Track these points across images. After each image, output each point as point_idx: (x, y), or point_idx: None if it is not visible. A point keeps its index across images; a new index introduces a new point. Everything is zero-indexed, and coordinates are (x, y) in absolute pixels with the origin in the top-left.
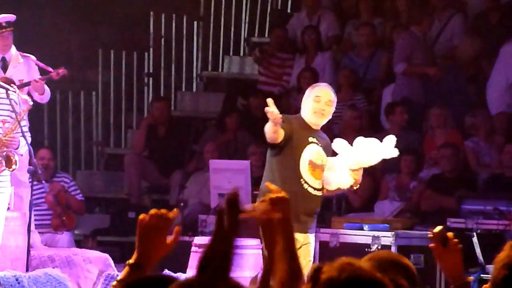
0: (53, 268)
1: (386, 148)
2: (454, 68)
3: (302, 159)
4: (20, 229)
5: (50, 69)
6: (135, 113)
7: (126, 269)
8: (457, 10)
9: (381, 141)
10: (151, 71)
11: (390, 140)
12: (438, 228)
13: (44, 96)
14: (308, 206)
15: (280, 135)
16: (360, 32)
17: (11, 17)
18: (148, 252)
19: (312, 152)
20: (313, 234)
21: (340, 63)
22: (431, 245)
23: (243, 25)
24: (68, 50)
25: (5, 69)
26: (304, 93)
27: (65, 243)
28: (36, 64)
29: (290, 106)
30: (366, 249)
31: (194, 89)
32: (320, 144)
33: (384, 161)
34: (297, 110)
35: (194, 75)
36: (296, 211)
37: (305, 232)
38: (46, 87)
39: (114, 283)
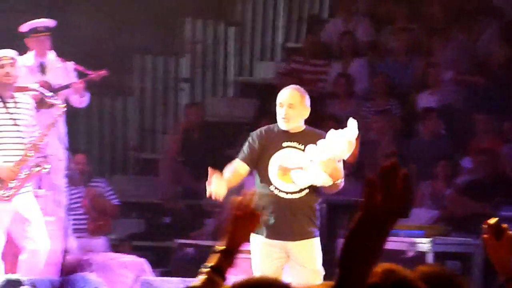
0: (89, 272)
1: (346, 130)
2: (492, 74)
3: (271, 165)
4: (56, 233)
5: (89, 72)
6: (171, 118)
7: (218, 255)
8: (493, 16)
9: (413, 148)
10: (187, 76)
11: (351, 122)
12: (494, 219)
13: (84, 100)
14: (281, 211)
15: (242, 174)
16: (396, 38)
17: (49, 22)
18: (237, 239)
19: (283, 157)
20: (306, 241)
21: (376, 69)
22: (484, 235)
23: (279, 30)
24: (105, 56)
25: (43, 73)
26: (340, 99)
27: (101, 247)
28: (76, 69)
29: (325, 112)
30: (402, 255)
31: (229, 95)
32: (299, 146)
33: (419, 167)
34: (331, 117)
35: (230, 80)
36: (268, 217)
37: (282, 240)
38: (86, 92)
39: (205, 269)
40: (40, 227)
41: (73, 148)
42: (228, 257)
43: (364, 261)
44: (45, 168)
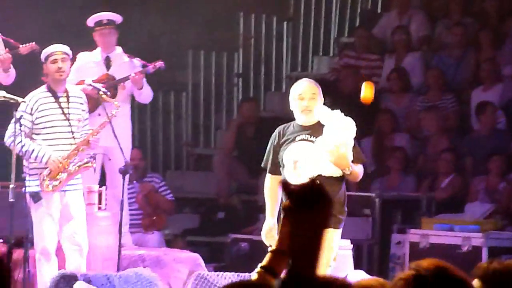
0: (144, 267)
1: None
2: None
3: (286, 160)
4: (111, 229)
5: (149, 64)
6: (225, 114)
7: (271, 255)
8: None
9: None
10: (240, 71)
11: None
12: None
13: (144, 94)
14: None
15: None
16: (452, 32)
17: (114, 16)
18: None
19: (296, 151)
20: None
21: (430, 63)
22: None
23: (332, 25)
24: (158, 51)
25: (108, 67)
26: (395, 94)
27: (155, 242)
28: (143, 65)
29: (379, 107)
30: (457, 250)
31: (284, 90)
32: (311, 138)
33: (473, 162)
34: (386, 111)
35: (283, 75)
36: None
37: None
38: (147, 86)
39: (259, 269)
40: (83, 227)
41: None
42: (281, 258)
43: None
44: (93, 165)
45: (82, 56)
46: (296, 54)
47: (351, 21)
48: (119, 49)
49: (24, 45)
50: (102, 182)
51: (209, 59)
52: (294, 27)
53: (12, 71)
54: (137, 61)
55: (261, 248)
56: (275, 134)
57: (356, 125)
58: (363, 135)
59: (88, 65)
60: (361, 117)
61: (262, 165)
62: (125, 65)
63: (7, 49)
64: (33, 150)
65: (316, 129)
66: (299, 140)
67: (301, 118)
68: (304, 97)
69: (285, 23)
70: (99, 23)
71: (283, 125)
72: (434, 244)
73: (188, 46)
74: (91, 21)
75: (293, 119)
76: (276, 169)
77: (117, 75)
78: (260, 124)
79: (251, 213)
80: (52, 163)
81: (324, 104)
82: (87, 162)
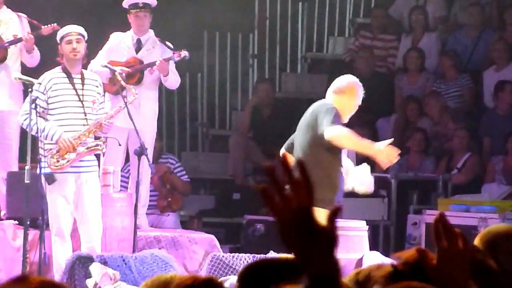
0: (159, 249)
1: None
2: None
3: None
4: (126, 210)
5: (175, 53)
6: (240, 95)
7: None
8: None
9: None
10: (255, 52)
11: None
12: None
13: (169, 80)
14: None
15: None
16: (468, 12)
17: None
18: None
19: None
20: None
21: (446, 43)
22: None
23: (348, 5)
24: (173, 32)
25: (138, 51)
26: (410, 73)
27: (171, 224)
28: (169, 48)
29: (394, 87)
30: (473, 231)
31: (299, 71)
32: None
33: (491, 142)
34: (401, 90)
35: (299, 56)
36: None
37: None
38: (174, 73)
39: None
40: (98, 208)
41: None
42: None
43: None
44: (102, 149)
45: (115, 36)
46: (312, 34)
47: (367, 1)
48: (151, 33)
49: (46, 26)
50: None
51: (224, 40)
52: (310, 8)
53: (36, 53)
54: (168, 46)
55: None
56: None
57: (372, 106)
58: (379, 115)
59: (120, 46)
60: (377, 97)
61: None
62: (155, 49)
63: (30, 30)
64: (44, 128)
65: None
66: None
67: (348, 115)
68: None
69: (300, 3)
70: (134, 6)
71: None
72: None
73: (203, 27)
74: (126, 3)
75: (308, 100)
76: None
77: (146, 59)
78: (276, 105)
79: None
80: (62, 142)
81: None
82: (96, 145)
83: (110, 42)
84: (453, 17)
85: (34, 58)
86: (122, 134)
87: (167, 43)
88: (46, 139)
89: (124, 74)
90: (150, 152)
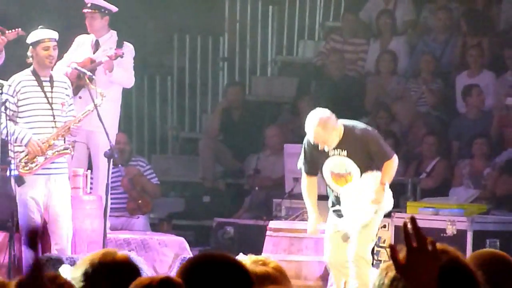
0: (129, 251)
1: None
2: None
3: (324, 172)
4: (96, 212)
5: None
6: (210, 98)
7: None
8: None
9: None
10: (226, 55)
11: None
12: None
13: (115, 76)
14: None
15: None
16: (437, 16)
17: (98, 1)
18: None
19: (331, 164)
20: None
21: (415, 47)
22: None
23: (318, 9)
24: (144, 35)
25: (96, 51)
26: (382, 76)
27: (140, 226)
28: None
29: (365, 90)
30: (442, 234)
31: (269, 74)
32: (343, 153)
33: (459, 146)
34: (373, 92)
35: (269, 59)
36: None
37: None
38: (123, 71)
39: None
40: (68, 210)
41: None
42: None
43: None
44: (71, 152)
45: (78, 38)
46: (282, 38)
47: (337, 5)
48: (111, 34)
49: (10, 31)
50: (90, 166)
51: (194, 43)
52: (280, 11)
53: (3, 54)
54: (128, 46)
55: (246, 231)
56: (304, 143)
57: (343, 109)
58: (350, 118)
59: (81, 47)
60: (347, 101)
61: (298, 167)
62: (113, 50)
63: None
64: (14, 132)
65: (342, 144)
66: (332, 156)
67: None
68: (318, 143)
69: (270, 6)
70: (85, 5)
71: (307, 142)
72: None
73: (174, 30)
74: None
75: (278, 103)
76: (312, 170)
77: (100, 59)
78: (246, 108)
79: (236, 196)
80: (31, 146)
81: (311, 89)
82: (65, 149)
83: (74, 44)
84: (423, 21)
85: (1, 60)
86: (82, 136)
87: (126, 43)
88: (15, 142)
89: (92, 76)
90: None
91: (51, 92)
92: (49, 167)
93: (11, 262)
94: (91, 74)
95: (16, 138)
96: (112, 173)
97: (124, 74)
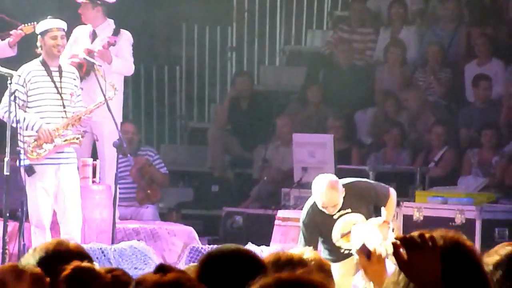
0: (138, 241)
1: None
2: None
3: (335, 236)
4: (105, 202)
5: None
6: (218, 87)
7: None
8: None
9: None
10: (234, 45)
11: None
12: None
13: (115, 66)
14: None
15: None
16: (445, 5)
17: None
18: None
19: (340, 225)
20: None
21: (424, 36)
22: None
23: None
24: (152, 25)
25: (93, 41)
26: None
27: (149, 216)
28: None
29: (373, 79)
30: (450, 223)
31: (277, 63)
32: (347, 210)
33: (467, 134)
34: (381, 82)
35: (277, 49)
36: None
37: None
38: (125, 58)
39: None
40: (77, 200)
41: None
42: None
43: None
44: (79, 143)
45: (76, 29)
46: (290, 27)
47: None
48: (108, 23)
49: (26, 24)
50: (93, 156)
51: (202, 33)
52: (288, 1)
53: (15, 48)
54: (124, 33)
55: (254, 221)
56: (305, 222)
57: (351, 98)
58: (358, 107)
59: (80, 38)
60: (355, 90)
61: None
62: (108, 39)
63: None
64: (24, 119)
65: (345, 203)
66: (338, 217)
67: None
68: (327, 207)
69: None
70: None
71: (309, 209)
72: (428, 217)
73: (182, 20)
74: None
75: (286, 93)
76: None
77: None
78: (254, 97)
79: (245, 186)
80: (42, 132)
81: (319, 78)
82: (74, 138)
83: (72, 36)
84: (431, 10)
85: (14, 51)
86: (86, 125)
87: (123, 30)
88: (26, 129)
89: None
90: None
91: (60, 82)
92: (58, 157)
93: (20, 251)
94: (100, 64)
95: (28, 125)
96: (121, 163)
97: (123, 63)
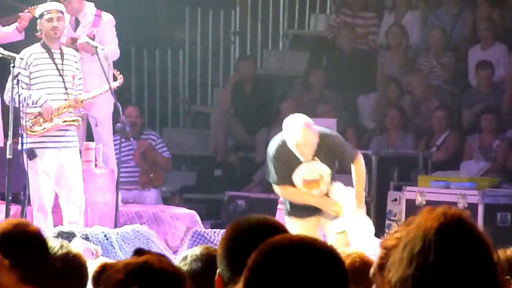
0: (141, 224)
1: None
2: None
3: (296, 180)
4: (108, 185)
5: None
6: (222, 71)
7: None
8: None
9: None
10: (237, 29)
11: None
12: None
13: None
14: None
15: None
16: None
17: None
18: None
19: (304, 171)
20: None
21: (427, 20)
22: None
23: None
24: (155, 9)
25: (76, 28)
26: (392, 50)
27: (152, 200)
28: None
29: (377, 64)
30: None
31: (280, 47)
32: (315, 159)
33: (469, 119)
34: (383, 66)
35: (281, 33)
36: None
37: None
38: (109, 43)
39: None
40: (79, 183)
41: (124, 100)
42: None
43: None
44: (78, 124)
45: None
46: (293, 11)
47: None
48: (87, 7)
49: (34, 6)
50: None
51: (206, 17)
52: None
53: (23, 31)
54: (106, 16)
55: (257, 205)
56: (273, 153)
57: (354, 83)
58: (361, 92)
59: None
60: (358, 75)
61: (269, 179)
62: (90, 24)
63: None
64: (30, 95)
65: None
66: (305, 162)
67: (302, 156)
68: (300, 145)
69: None
70: None
71: (279, 145)
72: (430, 201)
73: (185, 4)
74: None
75: (289, 77)
76: (286, 181)
77: (84, 35)
78: (257, 81)
79: (248, 170)
80: (46, 108)
81: (322, 62)
82: (73, 120)
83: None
84: None
85: (22, 36)
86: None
87: (104, 13)
88: (32, 104)
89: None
90: (110, 126)
91: (62, 64)
92: (60, 140)
93: None
94: (103, 47)
95: (33, 100)
96: (124, 146)
97: (106, 49)
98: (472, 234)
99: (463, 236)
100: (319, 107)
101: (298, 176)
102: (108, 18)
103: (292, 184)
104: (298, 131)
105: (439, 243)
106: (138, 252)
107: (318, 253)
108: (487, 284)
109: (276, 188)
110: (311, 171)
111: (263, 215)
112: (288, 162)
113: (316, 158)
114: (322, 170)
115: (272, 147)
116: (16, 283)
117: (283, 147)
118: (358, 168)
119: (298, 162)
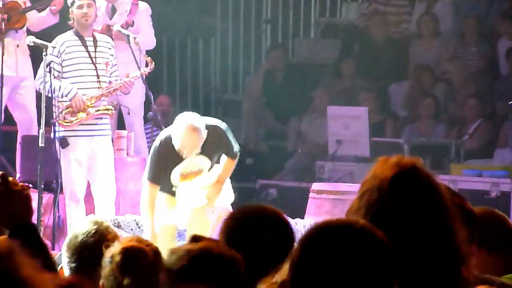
0: None
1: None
2: None
3: (174, 174)
4: (140, 174)
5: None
6: (253, 60)
7: None
8: None
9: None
10: (269, 17)
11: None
12: None
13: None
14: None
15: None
16: None
17: None
18: None
19: (184, 165)
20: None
21: (459, 9)
22: None
23: None
24: None
25: (112, 15)
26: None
27: None
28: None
29: (408, 53)
30: (485, 196)
31: (312, 36)
32: (196, 153)
33: (502, 107)
34: (416, 55)
35: (312, 21)
36: None
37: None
38: (145, 33)
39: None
40: (111, 172)
41: (156, 89)
42: None
43: None
44: (112, 113)
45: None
46: (325, 0)
47: None
48: None
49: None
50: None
51: (237, 5)
52: None
53: (57, 16)
54: (143, 5)
55: (289, 193)
56: (157, 149)
57: (386, 71)
58: (393, 80)
59: (98, 14)
60: (390, 63)
61: (146, 178)
62: (127, 12)
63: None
64: (60, 87)
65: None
66: (186, 157)
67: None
68: (185, 148)
69: None
70: None
71: (163, 139)
72: (463, 190)
73: None
74: None
75: (321, 66)
76: (159, 179)
77: (120, 23)
78: (288, 70)
79: (279, 158)
80: (76, 100)
81: (353, 51)
82: (107, 109)
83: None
84: None
85: (57, 18)
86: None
87: (141, 2)
88: (62, 97)
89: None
90: (141, 114)
91: (95, 52)
92: (93, 129)
93: (55, 223)
94: (135, 36)
95: (62, 93)
96: (155, 135)
97: (143, 37)
98: (425, 182)
99: (417, 185)
100: (360, 95)
101: (176, 170)
102: (144, 7)
103: (165, 177)
104: (183, 133)
105: (394, 192)
106: (195, 238)
107: (365, 236)
108: (441, 229)
109: (146, 183)
110: (191, 164)
111: (262, 204)
112: (173, 158)
113: (200, 153)
114: (202, 163)
115: (158, 140)
116: None
117: (166, 140)
118: (231, 163)
119: (179, 159)
